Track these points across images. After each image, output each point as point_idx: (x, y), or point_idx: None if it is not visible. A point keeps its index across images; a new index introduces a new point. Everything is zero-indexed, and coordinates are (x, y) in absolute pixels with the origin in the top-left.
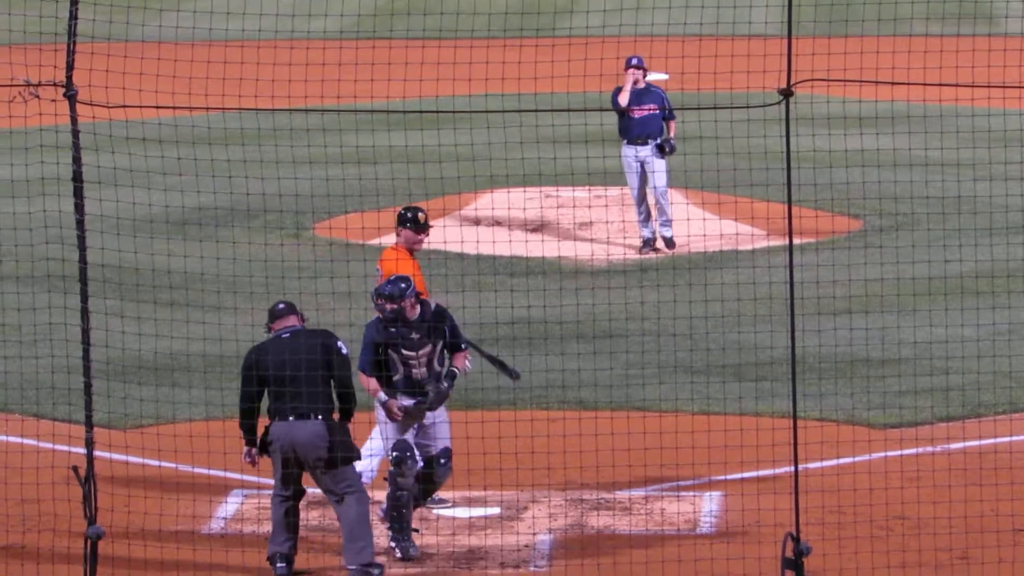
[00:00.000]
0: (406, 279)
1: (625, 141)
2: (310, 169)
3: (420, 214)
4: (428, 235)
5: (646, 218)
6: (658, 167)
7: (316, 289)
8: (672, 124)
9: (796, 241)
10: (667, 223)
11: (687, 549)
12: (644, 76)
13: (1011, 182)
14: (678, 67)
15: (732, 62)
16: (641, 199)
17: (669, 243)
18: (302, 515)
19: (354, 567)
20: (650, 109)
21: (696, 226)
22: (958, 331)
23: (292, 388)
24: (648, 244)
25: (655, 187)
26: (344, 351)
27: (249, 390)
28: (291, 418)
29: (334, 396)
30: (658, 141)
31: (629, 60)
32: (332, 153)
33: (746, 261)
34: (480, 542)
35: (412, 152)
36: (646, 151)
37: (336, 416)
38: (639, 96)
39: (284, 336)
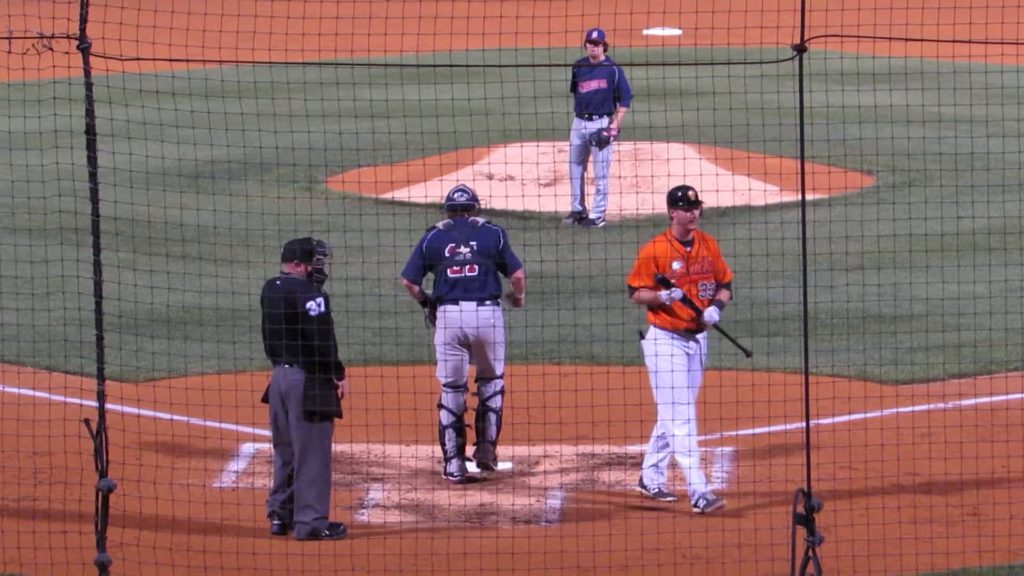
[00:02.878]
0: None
1: (575, 114)
2: (323, 123)
3: (689, 191)
4: (694, 212)
5: (580, 194)
6: (598, 156)
7: (328, 243)
8: (622, 111)
9: (809, 197)
10: (597, 207)
11: None
12: (604, 51)
13: None
14: (692, 22)
15: (746, 17)
16: (578, 173)
17: (588, 222)
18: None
19: (298, 524)
20: (598, 83)
21: (709, 181)
22: (970, 288)
23: (275, 336)
24: (574, 216)
25: (595, 175)
26: (313, 312)
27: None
28: (283, 364)
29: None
30: (604, 122)
31: (589, 33)
32: (345, 107)
33: (759, 217)
34: (491, 498)
35: (425, 106)
36: (592, 127)
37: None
38: (590, 70)
39: (277, 282)
